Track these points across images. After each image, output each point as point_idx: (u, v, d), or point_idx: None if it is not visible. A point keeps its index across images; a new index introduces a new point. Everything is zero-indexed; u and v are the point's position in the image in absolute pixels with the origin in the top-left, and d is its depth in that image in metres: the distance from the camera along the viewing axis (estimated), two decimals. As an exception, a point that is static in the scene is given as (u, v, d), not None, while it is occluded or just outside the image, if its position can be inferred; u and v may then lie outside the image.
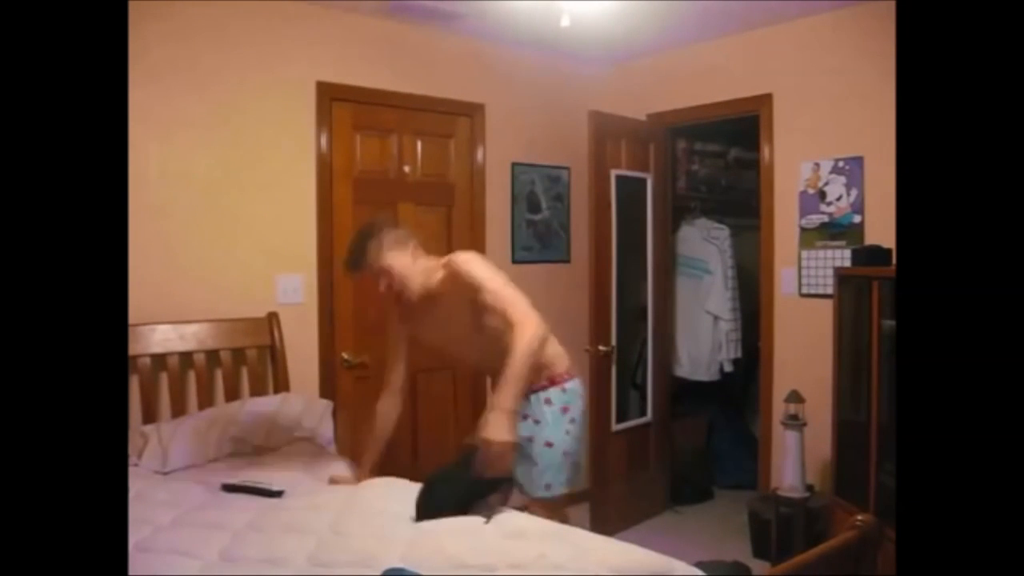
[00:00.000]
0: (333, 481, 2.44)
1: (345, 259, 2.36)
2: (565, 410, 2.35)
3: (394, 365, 2.52)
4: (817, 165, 3.55)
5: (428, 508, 2.04)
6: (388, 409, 2.50)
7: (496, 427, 2.02)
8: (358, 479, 2.42)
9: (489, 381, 2.52)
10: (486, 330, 2.26)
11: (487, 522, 2.00)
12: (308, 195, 3.33)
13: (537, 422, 2.31)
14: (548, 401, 2.33)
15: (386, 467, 2.53)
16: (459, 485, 2.11)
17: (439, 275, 2.29)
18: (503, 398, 2.06)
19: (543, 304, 2.27)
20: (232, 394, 3.02)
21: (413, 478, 2.34)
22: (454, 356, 2.44)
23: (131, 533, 1.77)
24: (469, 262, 2.25)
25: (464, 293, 2.23)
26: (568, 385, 2.38)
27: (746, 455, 4.24)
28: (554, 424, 2.32)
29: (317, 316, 3.36)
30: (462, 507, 2.07)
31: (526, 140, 4.06)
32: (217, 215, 3.07)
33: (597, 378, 3.80)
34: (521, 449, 2.24)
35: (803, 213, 3.61)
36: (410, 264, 2.29)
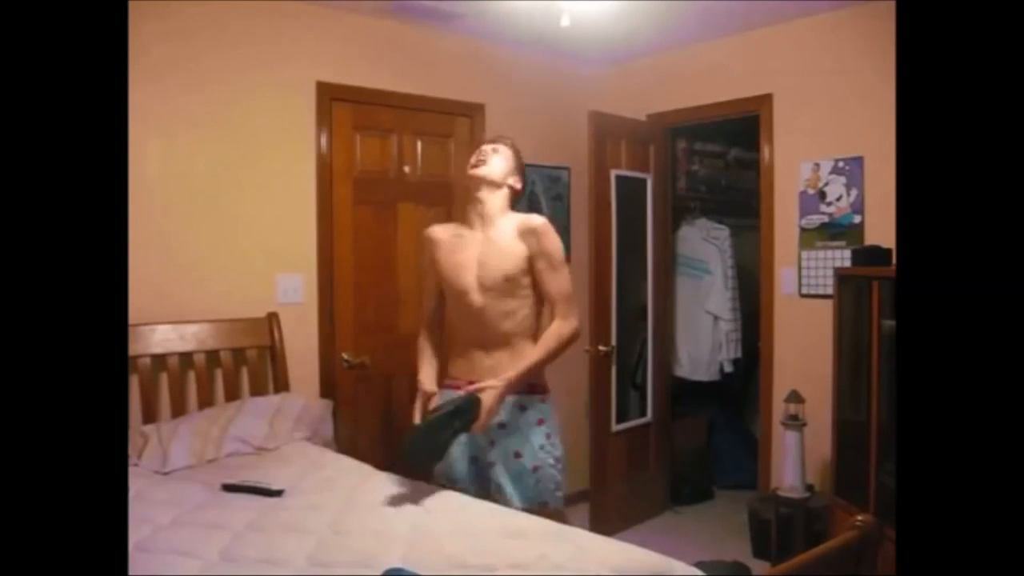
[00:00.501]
0: (427, 394, 2.31)
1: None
2: (540, 422, 2.30)
3: (430, 306, 2.51)
4: (817, 165, 3.55)
5: (418, 454, 2.12)
6: (429, 344, 2.48)
7: (493, 391, 2.14)
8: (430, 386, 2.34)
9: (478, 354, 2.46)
10: (513, 299, 2.27)
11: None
12: (308, 195, 3.33)
13: (503, 426, 2.26)
14: (522, 407, 2.29)
15: (383, 465, 2.54)
16: (445, 432, 2.13)
17: (517, 223, 2.30)
18: (519, 368, 2.19)
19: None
20: (232, 394, 3.01)
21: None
22: (466, 296, 2.31)
23: (131, 533, 1.77)
24: (555, 238, 2.28)
25: (533, 253, 2.25)
26: (547, 397, 2.35)
27: (746, 455, 4.24)
28: (526, 435, 2.27)
29: (317, 316, 3.36)
30: (445, 450, 2.18)
31: (526, 140, 4.04)
32: (217, 215, 3.07)
33: (597, 378, 3.80)
34: (484, 457, 2.27)
35: (803, 213, 3.61)
36: (503, 179, 2.36)
